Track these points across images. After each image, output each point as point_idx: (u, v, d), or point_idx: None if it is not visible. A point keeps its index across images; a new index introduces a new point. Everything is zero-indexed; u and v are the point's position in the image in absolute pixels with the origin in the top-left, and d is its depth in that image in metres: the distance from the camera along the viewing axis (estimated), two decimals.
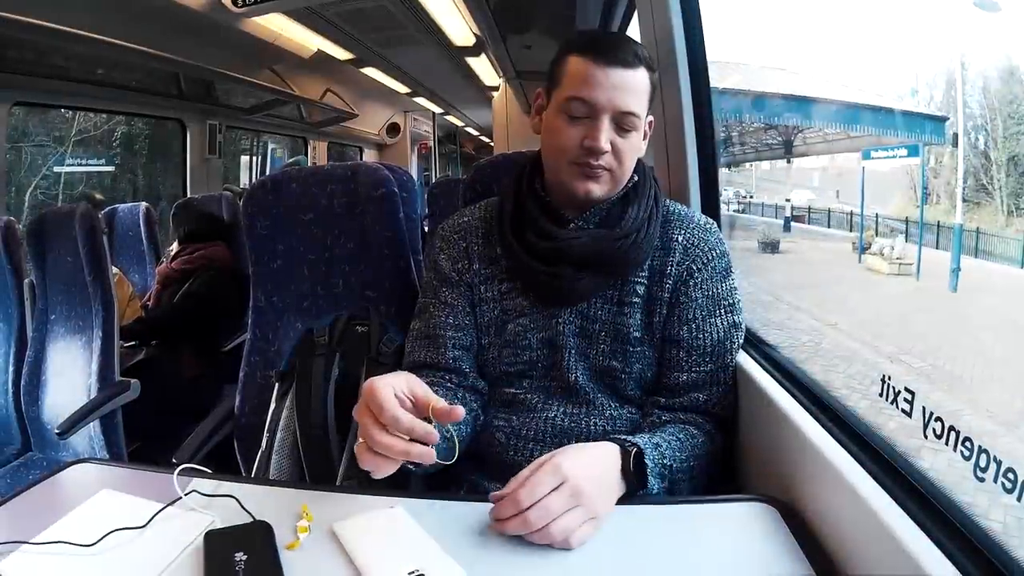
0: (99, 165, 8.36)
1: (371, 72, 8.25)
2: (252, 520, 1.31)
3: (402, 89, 9.82)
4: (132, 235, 5.21)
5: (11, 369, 3.37)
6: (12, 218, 3.43)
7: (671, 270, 1.69)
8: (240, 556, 1.18)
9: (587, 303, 1.70)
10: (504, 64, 8.02)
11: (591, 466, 1.34)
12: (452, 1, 5.64)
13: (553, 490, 1.25)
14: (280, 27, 5.82)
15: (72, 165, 8.02)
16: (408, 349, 1.84)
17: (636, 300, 1.69)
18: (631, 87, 1.60)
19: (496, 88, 9.58)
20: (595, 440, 1.49)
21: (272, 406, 2.07)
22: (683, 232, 1.71)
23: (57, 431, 2.82)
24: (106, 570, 1.19)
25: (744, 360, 1.74)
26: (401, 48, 6.99)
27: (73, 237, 3.07)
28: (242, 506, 1.35)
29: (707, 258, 1.70)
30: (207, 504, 1.38)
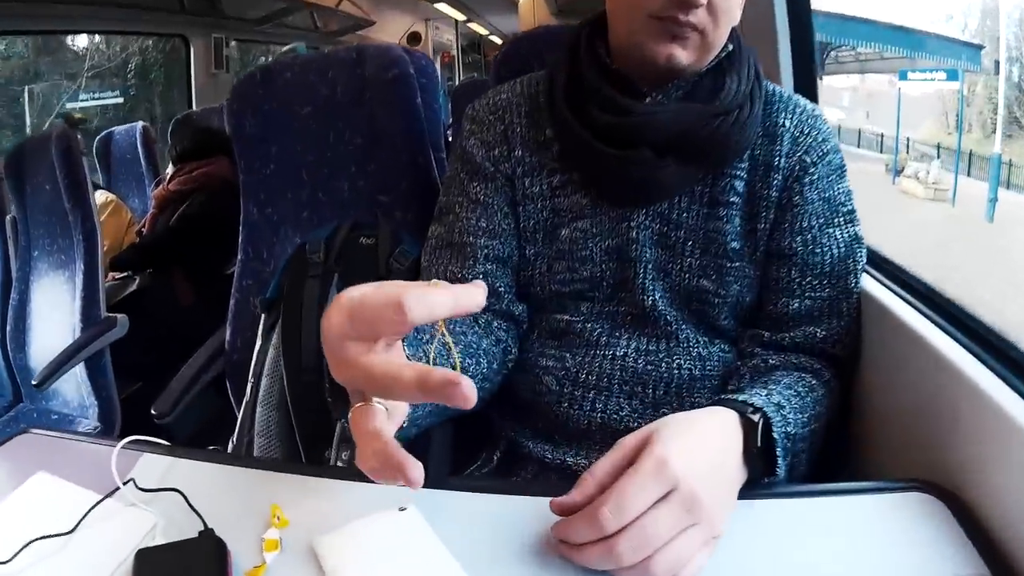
0: (114, 97, 8.41)
1: None
2: (201, 531, 0.97)
3: None
4: (130, 158, 4.97)
5: None
6: None
7: (779, 162, 1.31)
8: None
9: (669, 202, 1.32)
10: None
11: (707, 456, 0.92)
12: None
13: (658, 501, 0.84)
14: None
15: (86, 100, 7.95)
16: (425, 263, 1.45)
17: (734, 200, 1.31)
18: None
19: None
20: (681, 389, 1.29)
21: (257, 343, 1.71)
22: (790, 117, 1.33)
23: (34, 383, 2.57)
24: None
25: (871, 286, 1.35)
26: None
27: (51, 163, 2.81)
28: (191, 506, 1.02)
29: (822, 150, 1.31)
30: (152, 497, 1.06)
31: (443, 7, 11.03)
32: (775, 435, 1.02)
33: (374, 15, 8.95)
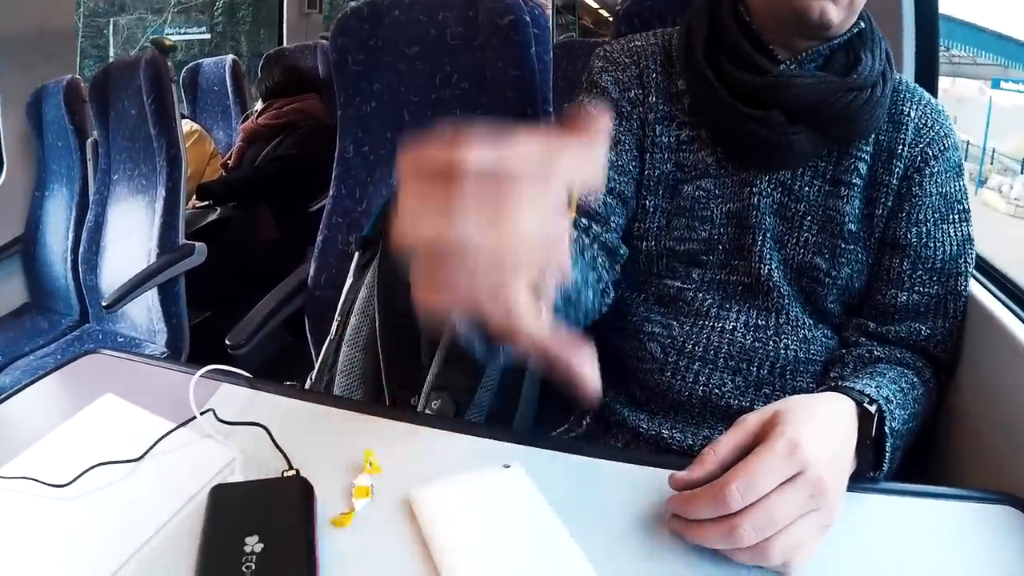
0: (200, 33, 8.47)
1: None
2: (285, 471, 0.92)
3: None
4: (218, 91, 4.97)
5: (71, 236, 3.23)
6: (77, 76, 3.28)
7: (902, 151, 1.28)
8: (253, 543, 0.77)
9: (792, 173, 1.30)
10: None
11: (833, 443, 0.90)
12: None
13: (784, 483, 0.80)
14: None
15: (171, 35, 8.02)
16: None
17: (856, 181, 1.29)
18: None
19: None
20: (784, 369, 1.27)
21: (348, 281, 1.64)
22: (915, 108, 1.31)
23: (104, 304, 2.57)
24: (74, 526, 0.88)
25: (977, 291, 1.32)
26: None
27: (138, 87, 2.82)
28: (275, 443, 0.98)
29: (943, 145, 1.30)
30: (230, 430, 1.04)
31: None
32: (886, 429, 1.02)
33: None
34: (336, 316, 1.58)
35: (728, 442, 0.85)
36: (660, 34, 1.41)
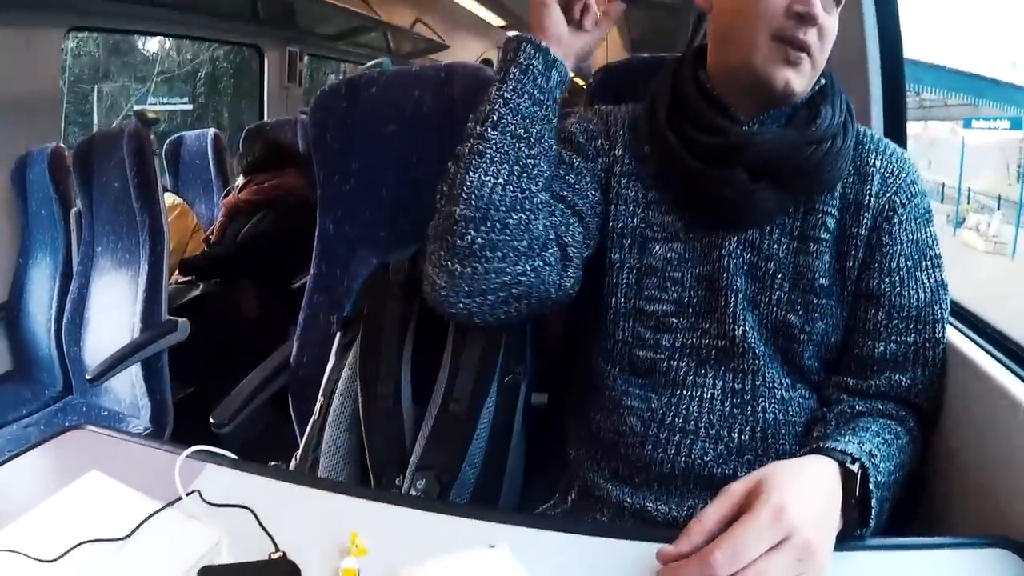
0: (182, 103, 8.51)
1: (463, 1, 8.21)
2: (272, 553, 0.93)
3: (496, 21, 9.76)
4: (199, 164, 4.96)
5: (54, 305, 3.20)
6: (61, 145, 3.28)
7: (869, 201, 1.32)
8: None
9: (760, 233, 1.32)
10: None
11: (819, 505, 0.94)
12: None
13: (772, 548, 0.83)
14: None
15: (154, 104, 8.06)
16: None
17: (825, 236, 1.31)
18: None
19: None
20: (765, 433, 1.29)
21: (331, 362, 1.65)
22: (880, 158, 1.34)
23: (88, 377, 2.56)
24: None
25: (954, 337, 1.35)
26: None
27: (121, 160, 2.82)
28: (261, 525, 0.99)
29: (910, 192, 1.32)
30: (215, 511, 1.04)
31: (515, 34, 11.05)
32: (871, 485, 1.03)
33: (448, 39, 8.97)
34: (319, 396, 1.58)
35: (713, 513, 0.87)
36: (630, 107, 1.47)
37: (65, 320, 3.06)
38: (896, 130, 1.93)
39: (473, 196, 1.20)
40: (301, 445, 1.59)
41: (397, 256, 1.67)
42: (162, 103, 8.34)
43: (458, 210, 1.21)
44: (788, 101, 1.29)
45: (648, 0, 7.72)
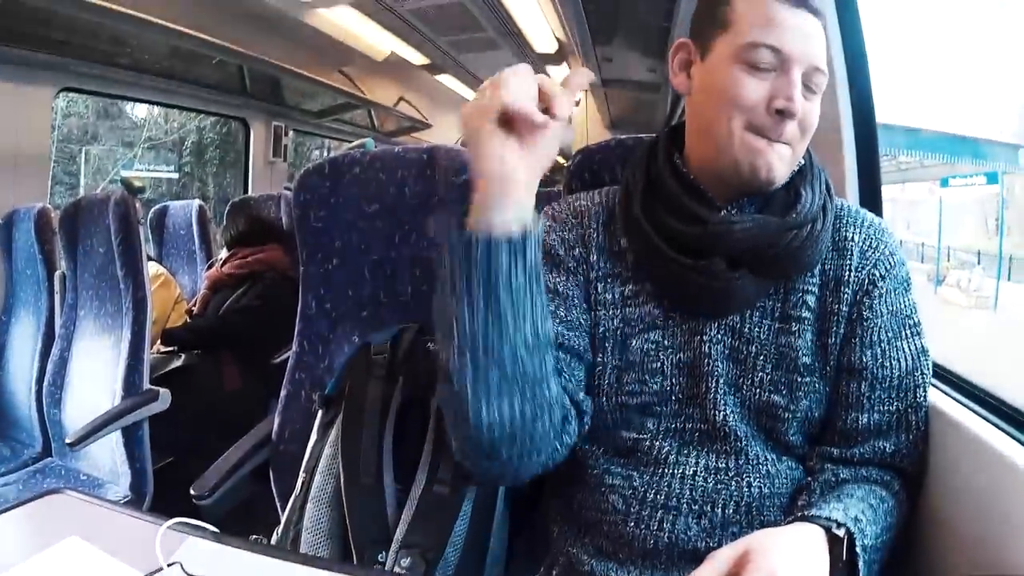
0: (168, 172, 8.53)
1: (446, 80, 8.12)
2: None
3: None
4: (184, 234, 4.98)
5: (36, 367, 3.17)
6: (48, 206, 3.28)
7: (849, 276, 1.33)
8: None
9: (741, 316, 1.33)
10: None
11: (805, 569, 0.96)
12: (537, 2, 5.36)
13: None
14: (351, 25, 5.60)
15: (140, 170, 8.09)
16: None
17: (806, 315, 1.32)
18: (818, 37, 1.27)
19: (576, 103, 9.44)
20: (750, 507, 1.27)
21: (312, 439, 1.67)
22: (858, 231, 1.36)
23: (68, 442, 2.55)
24: None
25: (937, 398, 1.37)
26: (478, 53, 6.83)
27: (107, 226, 2.83)
28: None
29: (889, 263, 1.34)
30: None
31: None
32: (857, 549, 1.05)
33: (431, 117, 8.96)
34: (301, 473, 1.59)
35: None
36: (604, 193, 1.47)
37: (46, 382, 3.04)
38: (872, 199, 1.97)
39: (485, 430, 1.15)
40: (283, 520, 1.59)
41: (379, 337, 1.70)
42: (148, 170, 8.36)
43: (475, 444, 1.18)
44: (768, 189, 1.30)
45: (626, 80, 7.77)
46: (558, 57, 7.12)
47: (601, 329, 1.37)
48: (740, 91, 1.24)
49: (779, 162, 1.26)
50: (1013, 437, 1.16)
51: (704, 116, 1.32)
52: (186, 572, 1.03)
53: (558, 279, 1.38)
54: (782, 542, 0.96)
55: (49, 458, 3.06)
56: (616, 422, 1.36)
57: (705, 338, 1.32)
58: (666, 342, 1.34)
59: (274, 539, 1.59)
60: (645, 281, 1.36)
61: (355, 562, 1.38)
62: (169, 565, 1.03)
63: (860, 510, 1.13)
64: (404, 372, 1.63)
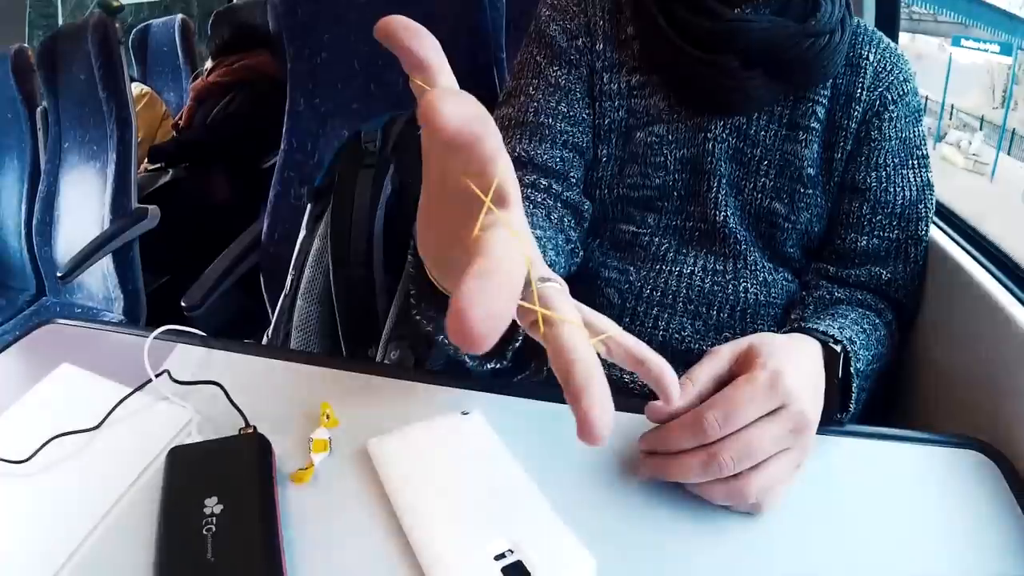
0: None
1: None
2: (242, 429, 0.89)
3: None
4: (167, 51, 4.91)
5: (23, 209, 3.13)
6: (24, 45, 3.19)
7: (861, 94, 1.26)
8: (212, 504, 0.75)
9: (748, 119, 1.26)
10: None
11: (812, 379, 0.89)
12: None
13: (766, 416, 0.78)
14: None
15: None
16: None
17: (814, 125, 1.25)
18: None
19: None
20: (745, 312, 1.24)
21: (301, 234, 1.62)
22: (874, 51, 1.28)
23: (59, 275, 2.54)
24: (36, 500, 0.86)
25: (938, 238, 1.32)
26: None
27: (86, 53, 2.75)
28: (231, 401, 0.95)
29: (903, 89, 1.27)
30: (186, 392, 1.01)
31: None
32: (851, 370, 1.00)
33: None
34: (290, 270, 1.56)
35: (705, 371, 0.83)
36: None
37: (35, 221, 3.02)
38: (889, 26, 1.88)
39: None
40: (273, 320, 1.56)
41: (370, 125, 1.63)
42: None
43: None
44: None
45: None
46: None
47: (607, 121, 1.30)
48: None
49: None
50: (1016, 296, 1.11)
51: None
52: (174, 379, 1.01)
53: (559, 72, 1.31)
54: (787, 346, 0.90)
55: (44, 298, 3.05)
56: (616, 215, 1.33)
57: (710, 136, 1.26)
58: (670, 136, 1.28)
59: (265, 340, 1.55)
60: (652, 72, 1.28)
61: (344, 356, 1.33)
62: (158, 375, 1.01)
63: (854, 332, 1.09)
64: (395, 159, 1.58)
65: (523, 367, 1.26)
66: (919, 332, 1.32)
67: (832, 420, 0.95)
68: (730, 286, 1.27)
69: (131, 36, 4.93)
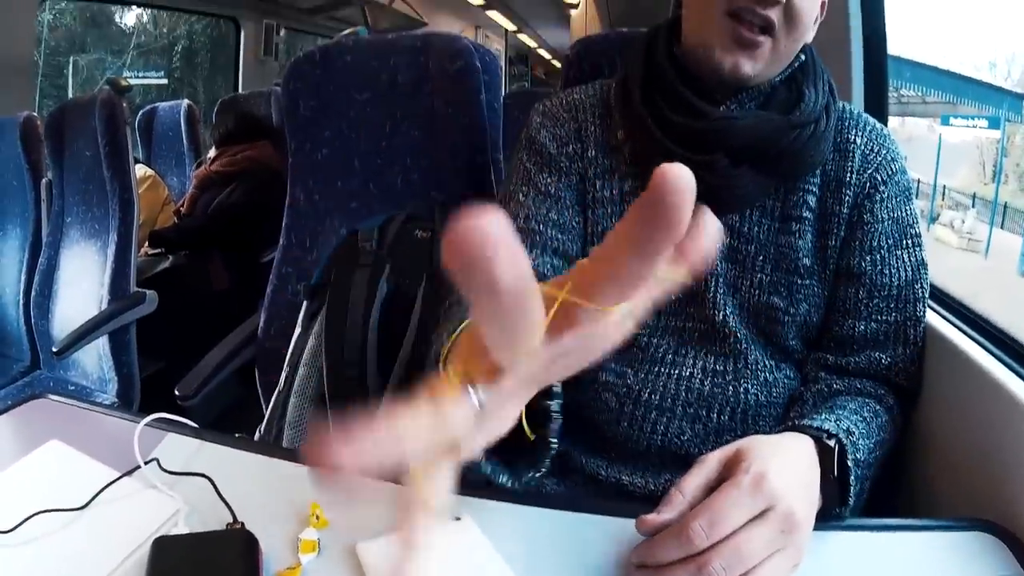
0: (158, 78, 8.45)
1: None
2: (230, 524, 0.90)
3: (475, 0, 9.53)
4: (172, 135, 4.92)
5: (23, 279, 3.12)
6: (34, 114, 3.17)
7: (850, 179, 1.26)
8: None
9: (740, 215, 1.26)
10: None
11: (801, 478, 0.89)
12: None
13: (753, 519, 0.79)
14: None
15: (130, 77, 7.99)
16: None
17: (807, 215, 1.25)
18: None
19: (575, 5, 9.29)
20: (746, 414, 1.22)
21: (296, 331, 1.63)
22: (861, 134, 1.29)
23: (54, 350, 2.53)
24: (18, 572, 0.88)
25: (934, 320, 1.32)
26: None
27: (93, 128, 2.75)
28: (220, 494, 0.96)
29: (891, 169, 1.27)
30: (175, 481, 1.01)
31: (494, 15, 10.93)
32: (849, 463, 0.98)
33: (426, 16, 8.93)
34: (284, 367, 1.56)
35: (694, 481, 0.83)
36: (599, 86, 1.40)
37: (33, 293, 3.01)
38: (877, 107, 1.89)
39: None
40: (266, 416, 1.56)
41: (367, 224, 1.64)
42: (138, 77, 8.28)
43: None
44: (745, 85, 1.22)
45: None
46: None
47: (600, 228, 1.31)
48: None
49: (753, 56, 1.18)
50: (1015, 371, 1.11)
51: (688, 3, 1.26)
52: (163, 468, 1.02)
53: (550, 179, 1.33)
54: (773, 446, 0.90)
55: (38, 371, 3.04)
56: None
57: None
58: None
59: (257, 436, 1.55)
60: (644, 176, 1.26)
61: None
62: (147, 462, 1.02)
63: (853, 422, 1.08)
64: (391, 260, 1.58)
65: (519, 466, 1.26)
66: (922, 415, 1.31)
67: (832, 515, 0.95)
68: (730, 387, 1.25)
69: (138, 117, 4.95)
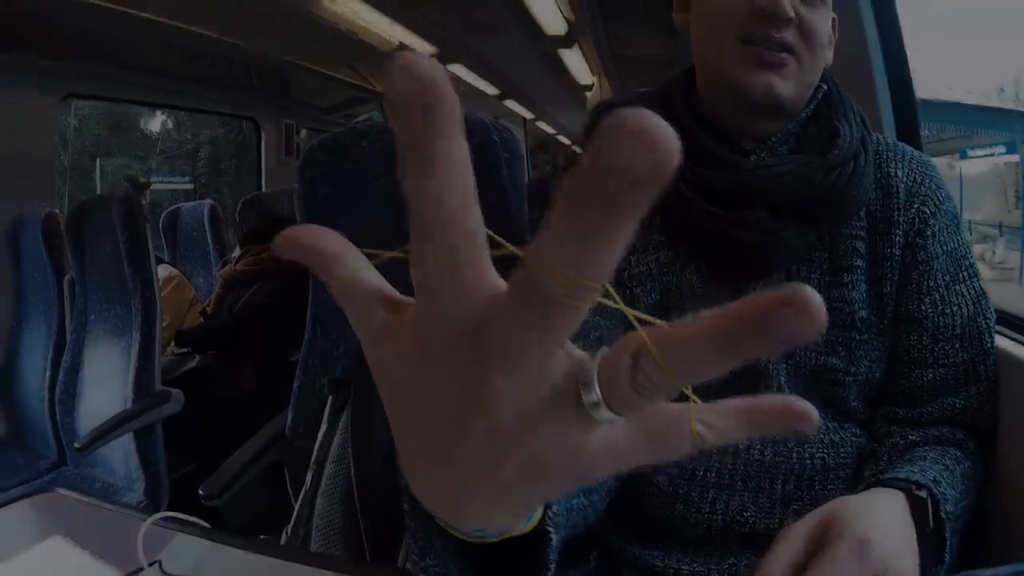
0: (183, 183, 8.56)
1: (458, 69, 8.06)
2: None
3: (491, 90, 9.60)
4: (197, 236, 4.96)
5: (48, 374, 3.18)
6: (55, 210, 3.29)
7: (897, 217, 1.18)
8: None
9: (787, 272, 1.17)
10: (601, 52, 7.74)
11: (898, 534, 0.82)
12: None
13: None
14: (357, 15, 5.51)
15: (155, 183, 8.11)
16: None
17: (858, 263, 1.17)
18: None
19: (590, 87, 9.38)
20: (812, 480, 1.12)
21: (323, 428, 1.56)
22: (902, 166, 1.21)
23: (76, 447, 2.55)
24: None
25: (1006, 346, 1.23)
26: (487, 35, 6.73)
27: (112, 224, 2.79)
28: None
29: (937, 199, 1.20)
30: None
31: (511, 104, 10.97)
32: (942, 514, 0.92)
33: None
34: (311, 464, 1.50)
35: (779, 560, 0.76)
36: None
37: (58, 390, 3.03)
38: (910, 135, 1.82)
39: None
40: (292, 518, 1.50)
41: None
42: (163, 182, 8.39)
43: None
44: (778, 113, 1.16)
45: (638, 57, 7.67)
46: (568, 40, 7.07)
47: (641, 307, 1.22)
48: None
49: (780, 76, 1.12)
50: None
51: (699, 41, 1.20)
52: (164, 571, 0.98)
53: None
54: (865, 504, 0.83)
55: (65, 467, 3.06)
56: None
57: None
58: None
59: (283, 539, 1.49)
60: (679, 244, 1.22)
61: (368, 559, 1.26)
62: (151, 564, 0.97)
63: (937, 471, 1.00)
64: None
65: (565, 560, 1.18)
66: (1003, 454, 1.21)
67: (929, 574, 0.87)
68: (793, 454, 1.16)
69: (162, 218, 5.01)
